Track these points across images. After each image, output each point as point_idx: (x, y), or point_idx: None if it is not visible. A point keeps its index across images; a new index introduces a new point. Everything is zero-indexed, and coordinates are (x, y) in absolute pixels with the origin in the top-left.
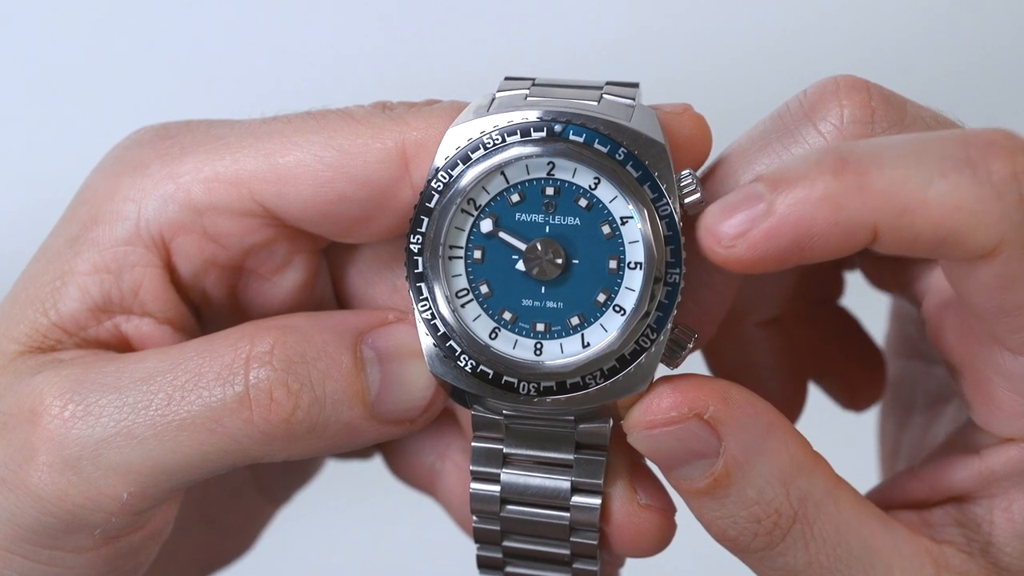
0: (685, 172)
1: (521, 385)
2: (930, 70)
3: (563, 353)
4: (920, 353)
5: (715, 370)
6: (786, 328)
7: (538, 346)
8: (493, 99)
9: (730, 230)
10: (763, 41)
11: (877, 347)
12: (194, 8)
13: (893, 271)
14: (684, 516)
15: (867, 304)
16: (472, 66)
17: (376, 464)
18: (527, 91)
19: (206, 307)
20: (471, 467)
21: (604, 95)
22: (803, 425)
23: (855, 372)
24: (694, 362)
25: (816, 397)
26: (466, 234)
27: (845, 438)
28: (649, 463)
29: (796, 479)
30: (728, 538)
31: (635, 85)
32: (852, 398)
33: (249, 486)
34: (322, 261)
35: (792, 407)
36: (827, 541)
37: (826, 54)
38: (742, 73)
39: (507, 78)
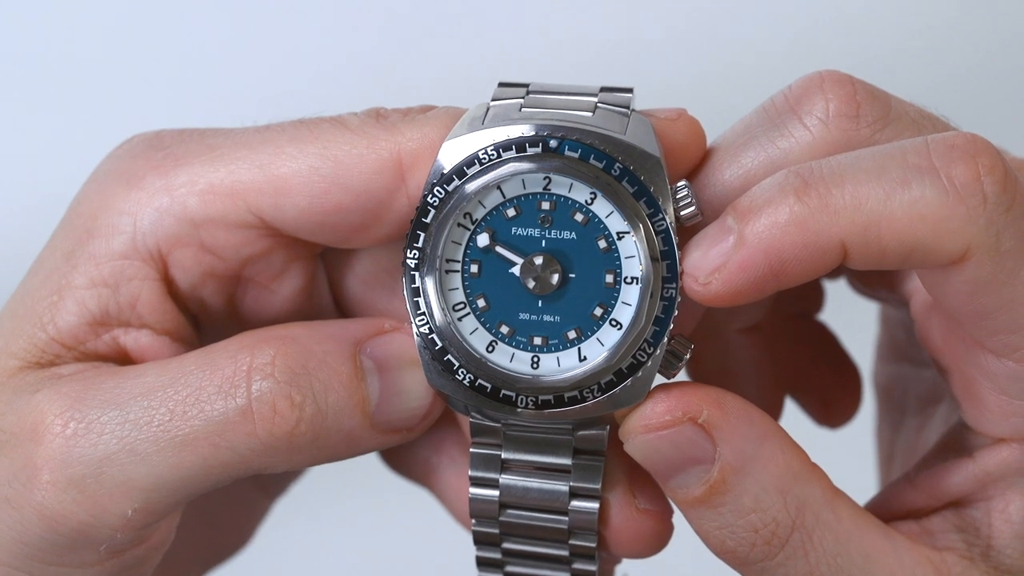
0: (680, 184)
1: (519, 399)
2: (919, 78)
3: (560, 367)
4: (909, 357)
5: (695, 376)
6: (767, 338)
7: (535, 360)
8: (487, 109)
9: (706, 266)
10: (756, 42)
11: (854, 364)
12: (186, 14)
13: (879, 275)
14: (680, 518)
15: (847, 319)
16: (465, 67)
17: (371, 458)
18: (521, 100)
19: (204, 316)
20: (470, 472)
21: (599, 105)
22: (799, 436)
23: (830, 388)
24: None
25: None
26: (463, 248)
27: (841, 451)
28: None
29: (793, 487)
30: (726, 550)
31: (629, 91)
32: (826, 414)
33: (244, 481)
34: (319, 267)
35: None
36: (827, 551)
37: (818, 57)
38: (736, 74)
39: (501, 84)
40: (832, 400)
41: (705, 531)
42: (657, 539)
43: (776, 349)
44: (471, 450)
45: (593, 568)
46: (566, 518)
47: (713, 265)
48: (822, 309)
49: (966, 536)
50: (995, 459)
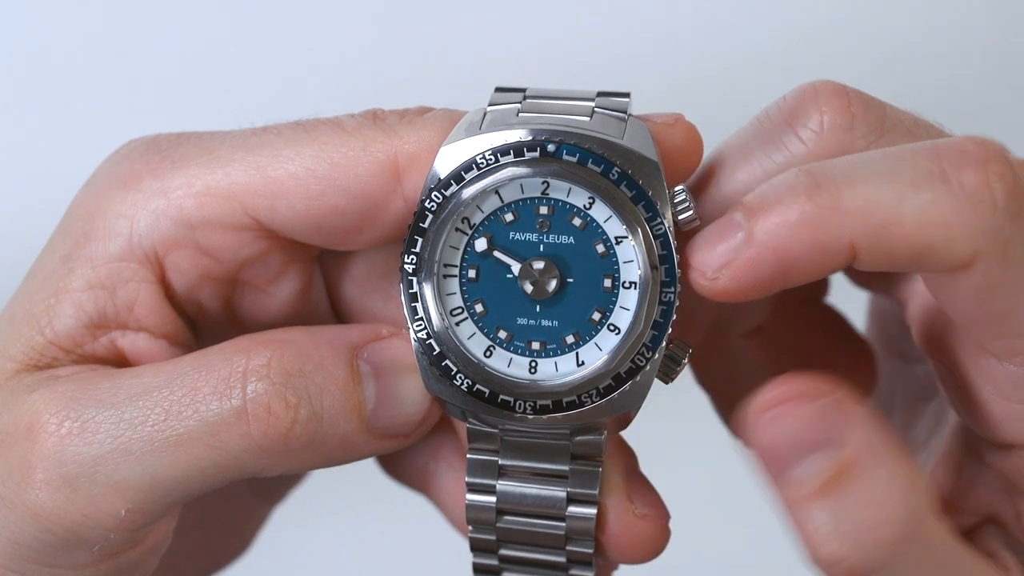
0: (678, 188)
1: (517, 403)
2: (913, 80)
3: (558, 372)
4: (899, 352)
5: (703, 382)
6: (772, 337)
7: (533, 364)
8: (485, 114)
9: (713, 262)
10: (752, 48)
11: (866, 342)
12: (183, 16)
13: (877, 275)
14: (677, 522)
15: (854, 299)
16: (462, 69)
17: (369, 464)
18: (519, 105)
19: (202, 319)
20: (467, 479)
21: (596, 109)
22: None
23: (845, 369)
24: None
25: None
26: (460, 253)
27: None
28: (645, 472)
29: (912, 492)
30: (828, 554)
31: (626, 95)
32: None
33: (242, 487)
34: (316, 269)
35: None
36: (936, 564)
37: (813, 61)
38: (732, 79)
39: (498, 89)
40: (847, 380)
41: (811, 528)
42: (654, 544)
43: (786, 337)
44: (468, 456)
45: (590, 574)
46: (563, 524)
47: (721, 261)
48: (828, 292)
49: (1014, 551)
50: (1009, 467)
